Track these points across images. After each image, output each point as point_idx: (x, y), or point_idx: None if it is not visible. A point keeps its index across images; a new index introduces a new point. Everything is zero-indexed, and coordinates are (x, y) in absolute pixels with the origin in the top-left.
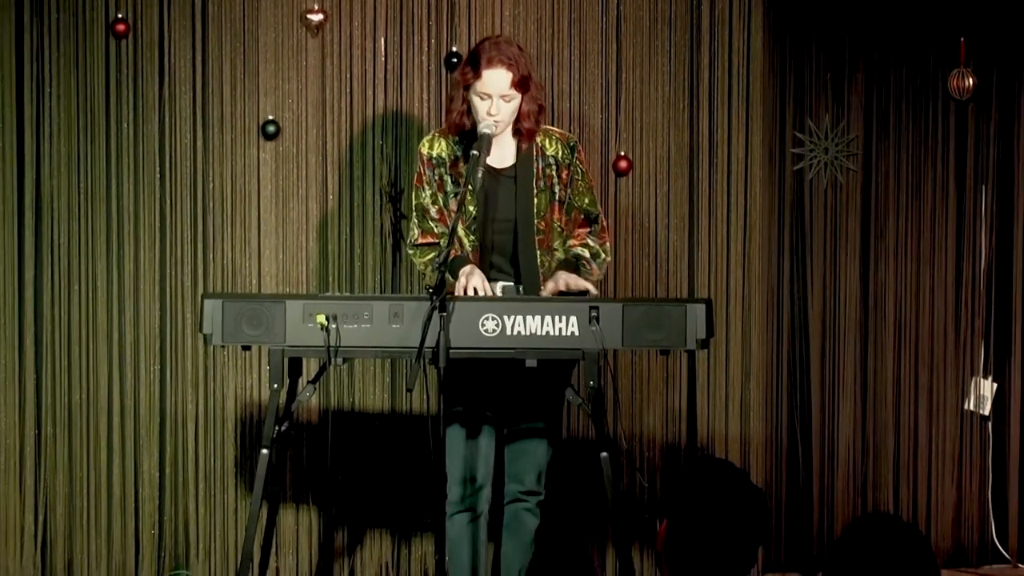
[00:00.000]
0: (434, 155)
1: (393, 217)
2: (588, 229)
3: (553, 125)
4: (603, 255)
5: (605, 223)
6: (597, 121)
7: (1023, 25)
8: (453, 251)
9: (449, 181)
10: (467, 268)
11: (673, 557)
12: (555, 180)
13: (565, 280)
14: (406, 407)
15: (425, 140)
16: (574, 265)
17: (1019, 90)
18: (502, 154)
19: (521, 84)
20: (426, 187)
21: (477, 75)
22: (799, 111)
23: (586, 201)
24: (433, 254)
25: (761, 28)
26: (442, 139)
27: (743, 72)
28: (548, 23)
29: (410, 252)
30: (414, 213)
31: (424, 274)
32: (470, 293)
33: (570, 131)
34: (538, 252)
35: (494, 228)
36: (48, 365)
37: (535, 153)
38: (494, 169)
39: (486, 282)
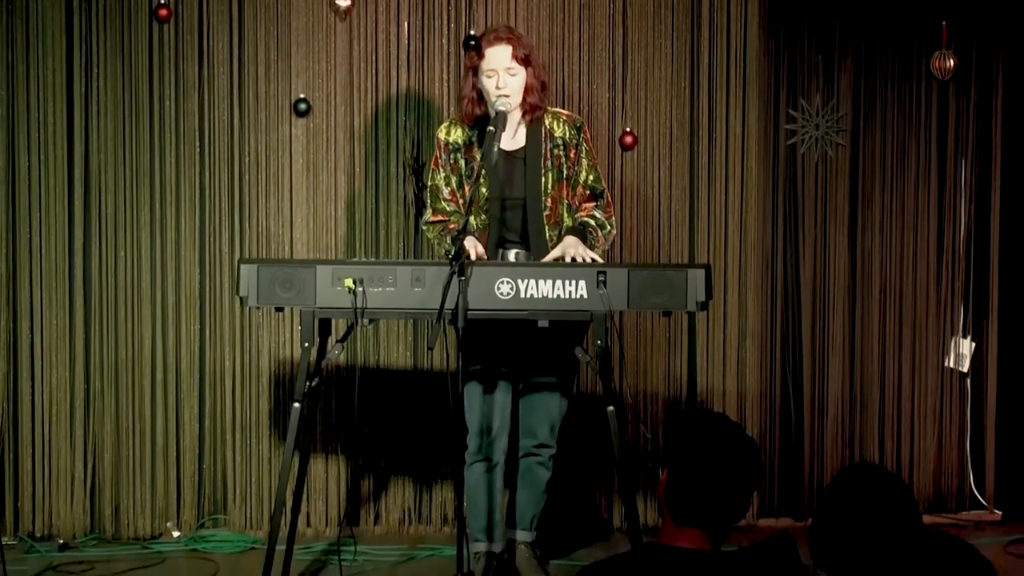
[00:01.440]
0: (450, 140)
1: (416, 188)
2: (594, 203)
3: (564, 104)
4: (608, 227)
5: (610, 198)
6: (604, 99)
7: (1001, 10)
8: (455, 224)
9: (463, 164)
10: (467, 238)
11: (674, 503)
12: (563, 160)
13: (572, 252)
14: (427, 364)
15: (443, 126)
16: (581, 232)
17: (997, 71)
18: (513, 136)
19: (523, 60)
20: (441, 170)
21: (481, 55)
22: (792, 90)
23: (591, 178)
24: (441, 228)
25: (757, 14)
26: (458, 125)
27: (740, 54)
28: (559, 8)
29: (423, 228)
30: (429, 193)
31: (433, 243)
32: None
33: (578, 109)
34: (546, 227)
35: (506, 205)
36: (96, 325)
37: (543, 135)
38: (505, 151)
39: (479, 246)
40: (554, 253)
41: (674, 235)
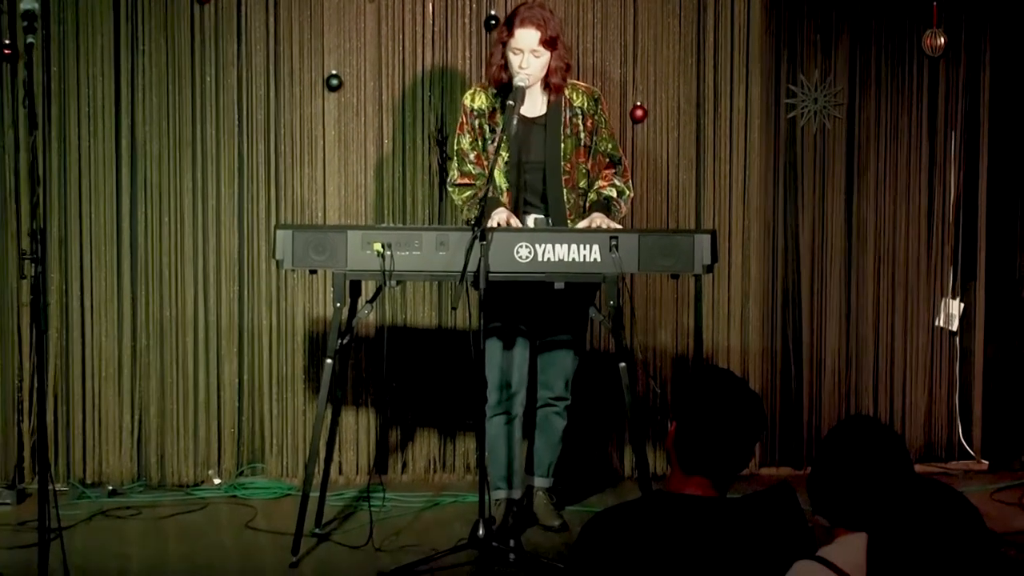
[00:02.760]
0: (475, 107)
1: (440, 158)
2: (613, 170)
3: (578, 79)
4: (627, 192)
5: (627, 164)
6: (616, 75)
7: None
8: (490, 191)
9: (487, 129)
10: (500, 210)
11: (682, 453)
12: (580, 128)
13: (599, 224)
14: (451, 323)
15: (468, 93)
16: (606, 207)
17: (984, 48)
18: (534, 105)
19: (549, 43)
20: (467, 134)
21: (511, 33)
22: (792, 67)
23: (609, 146)
24: (469, 192)
25: None
26: (482, 93)
27: (744, 33)
28: None
29: (449, 190)
30: (455, 157)
31: (461, 209)
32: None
33: (592, 84)
34: (564, 190)
35: (526, 169)
36: (142, 286)
37: (563, 104)
38: (527, 118)
39: (513, 217)
40: (582, 225)
41: (681, 202)
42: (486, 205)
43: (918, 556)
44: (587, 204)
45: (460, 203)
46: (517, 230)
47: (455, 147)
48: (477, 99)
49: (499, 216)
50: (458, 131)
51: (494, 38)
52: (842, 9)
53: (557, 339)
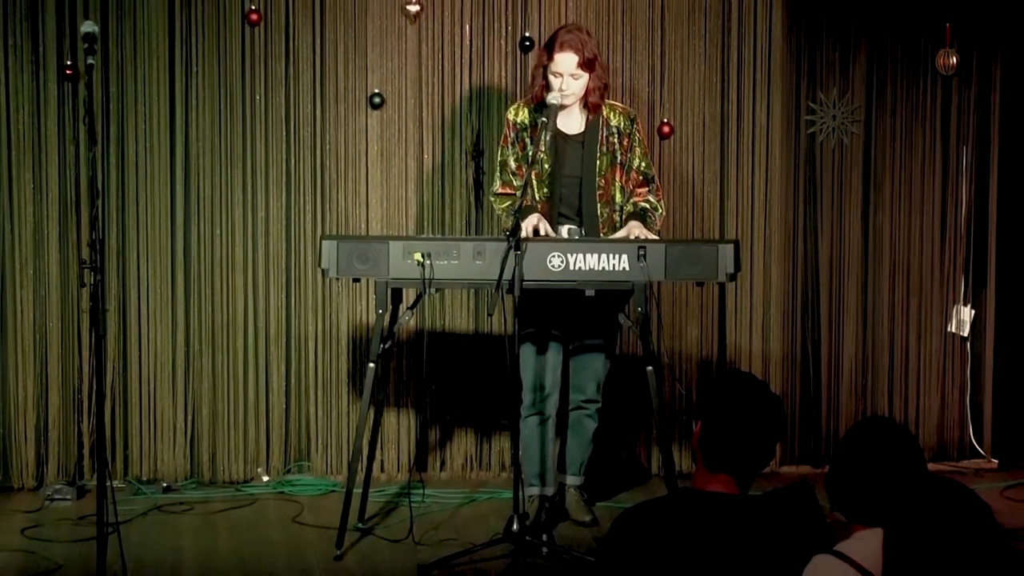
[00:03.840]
0: (517, 121)
1: (475, 173)
2: (647, 188)
3: (610, 98)
4: (660, 210)
5: (659, 183)
6: (645, 94)
7: (999, 13)
8: (525, 200)
9: (528, 142)
10: (533, 215)
11: (707, 452)
12: (616, 147)
13: (636, 233)
14: (487, 329)
15: (512, 108)
16: (643, 217)
17: (995, 68)
18: (573, 123)
19: (587, 65)
20: (509, 146)
21: (551, 58)
22: (811, 85)
23: (642, 165)
24: (509, 202)
25: (781, 16)
26: (525, 108)
27: (765, 53)
28: (604, 12)
29: (491, 199)
30: (497, 167)
31: (501, 218)
32: (531, 234)
33: (622, 102)
34: (598, 205)
35: (563, 183)
36: (195, 294)
37: (601, 123)
38: (566, 135)
39: (546, 224)
40: (620, 234)
41: (706, 214)
42: (521, 213)
43: (932, 550)
44: (623, 216)
45: (500, 212)
46: (549, 240)
47: (497, 158)
48: (520, 113)
49: (530, 222)
50: (501, 143)
51: (535, 61)
52: (859, 30)
53: (589, 344)
